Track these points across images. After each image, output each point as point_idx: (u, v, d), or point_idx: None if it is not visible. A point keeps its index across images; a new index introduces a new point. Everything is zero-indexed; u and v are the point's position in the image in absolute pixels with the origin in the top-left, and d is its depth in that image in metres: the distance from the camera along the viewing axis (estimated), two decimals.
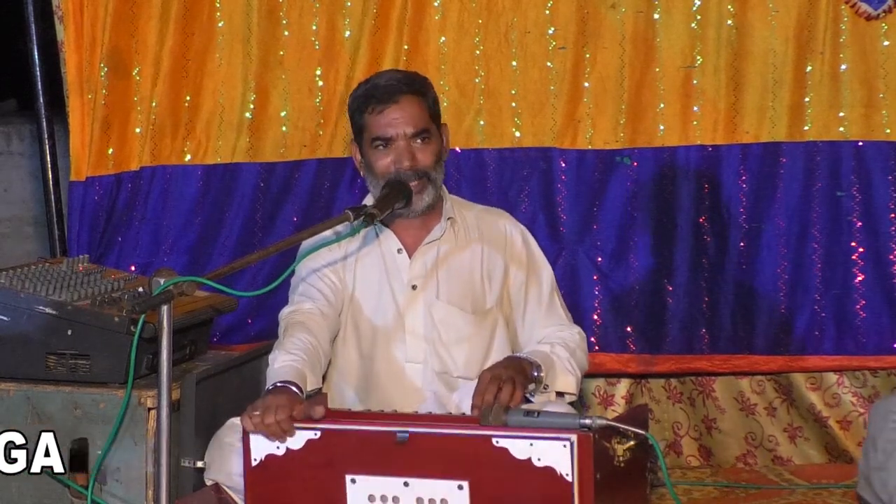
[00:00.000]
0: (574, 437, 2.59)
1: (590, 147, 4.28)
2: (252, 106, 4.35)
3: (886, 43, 4.19)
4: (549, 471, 2.57)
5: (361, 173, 3.32)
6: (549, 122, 4.28)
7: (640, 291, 4.26)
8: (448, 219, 3.30)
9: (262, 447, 2.76)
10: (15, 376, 3.43)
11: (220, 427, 3.08)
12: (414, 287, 3.26)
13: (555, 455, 2.57)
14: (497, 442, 2.61)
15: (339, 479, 2.69)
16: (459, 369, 3.25)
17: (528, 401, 3.06)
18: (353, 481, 2.69)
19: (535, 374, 3.08)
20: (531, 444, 2.59)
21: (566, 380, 3.18)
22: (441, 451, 2.65)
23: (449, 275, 3.28)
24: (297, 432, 2.74)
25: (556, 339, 3.25)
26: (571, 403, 3.20)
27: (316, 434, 2.72)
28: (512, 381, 2.95)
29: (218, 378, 3.35)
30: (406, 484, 2.67)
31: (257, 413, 2.77)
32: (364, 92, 3.26)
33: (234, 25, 4.34)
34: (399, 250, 3.28)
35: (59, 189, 4.47)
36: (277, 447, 2.75)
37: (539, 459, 2.58)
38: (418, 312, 3.25)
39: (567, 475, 2.56)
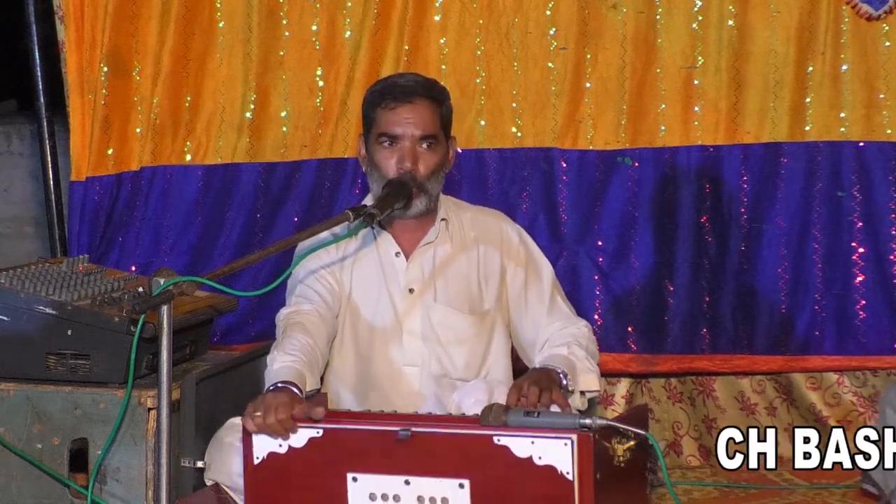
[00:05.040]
0: (574, 437, 2.59)
1: (591, 147, 4.28)
2: (252, 106, 4.35)
3: (887, 44, 4.20)
4: (549, 469, 2.57)
5: (364, 169, 3.32)
6: (550, 122, 4.28)
7: (641, 291, 4.26)
8: (442, 219, 3.30)
9: (264, 445, 2.76)
10: (15, 376, 3.43)
11: (220, 427, 3.08)
12: (411, 291, 3.26)
13: (556, 453, 2.57)
14: (498, 440, 2.61)
15: (340, 478, 2.70)
16: (459, 371, 3.24)
17: None
18: (355, 479, 2.70)
19: (564, 381, 3.07)
20: (532, 443, 2.59)
21: (588, 378, 3.18)
22: (442, 449, 2.65)
23: (446, 277, 3.27)
24: (300, 430, 2.75)
25: (568, 338, 3.23)
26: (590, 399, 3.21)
27: (318, 432, 2.72)
28: (543, 386, 2.95)
29: (218, 378, 3.34)
30: (407, 482, 2.67)
31: (259, 413, 2.76)
32: (381, 88, 3.27)
33: (235, 26, 4.33)
34: (397, 254, 3.27)
35: (59, 189, 4.46)
36: (280, 445, 2.75)
37: (540, 458, 2.59)
38: (416, 316, 3.24)
39: (568, 474, 2.56)
